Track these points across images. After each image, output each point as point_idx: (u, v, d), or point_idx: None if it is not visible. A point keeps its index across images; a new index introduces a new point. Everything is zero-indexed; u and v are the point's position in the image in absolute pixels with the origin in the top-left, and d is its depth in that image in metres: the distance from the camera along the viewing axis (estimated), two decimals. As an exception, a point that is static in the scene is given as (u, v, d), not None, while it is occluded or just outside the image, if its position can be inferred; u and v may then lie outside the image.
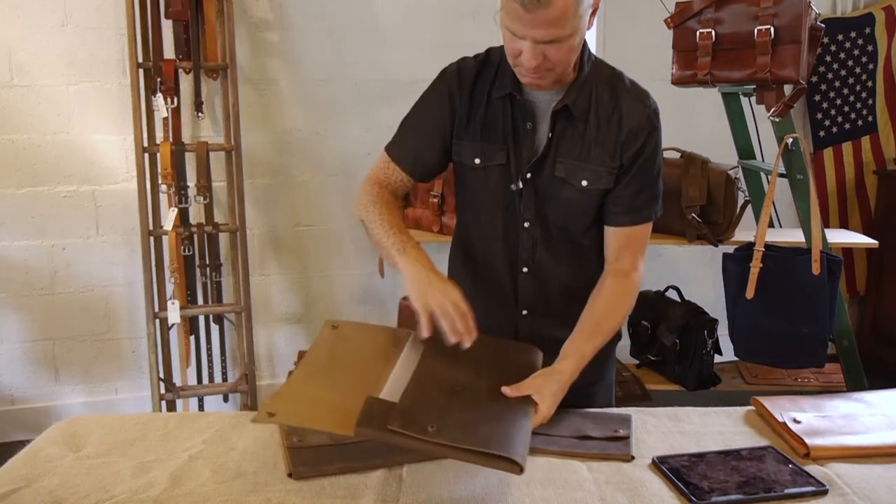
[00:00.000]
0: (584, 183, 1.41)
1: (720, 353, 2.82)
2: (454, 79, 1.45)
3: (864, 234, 3.29)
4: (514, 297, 1.52)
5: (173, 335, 2.96)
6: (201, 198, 2.83)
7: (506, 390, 1.26)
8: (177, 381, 2.97)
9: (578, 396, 1.55)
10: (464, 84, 1.44)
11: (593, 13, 1.28)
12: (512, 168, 1.43)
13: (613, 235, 1.46)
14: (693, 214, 2.59)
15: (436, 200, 2.75)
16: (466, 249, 1.58)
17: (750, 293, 2.43)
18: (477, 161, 1.44)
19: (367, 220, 1.43)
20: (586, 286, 1.50)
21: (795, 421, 1.41)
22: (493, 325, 1.54)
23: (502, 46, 1.44)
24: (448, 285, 1.30)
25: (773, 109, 2.38)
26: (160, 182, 2.81)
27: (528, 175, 1.43)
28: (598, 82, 1.41)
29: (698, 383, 2.80)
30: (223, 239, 3.03)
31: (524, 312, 1.52)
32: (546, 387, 1.28)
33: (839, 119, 3.80)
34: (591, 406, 1.53)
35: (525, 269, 1.49)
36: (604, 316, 1.42)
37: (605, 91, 1.40)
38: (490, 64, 1.45)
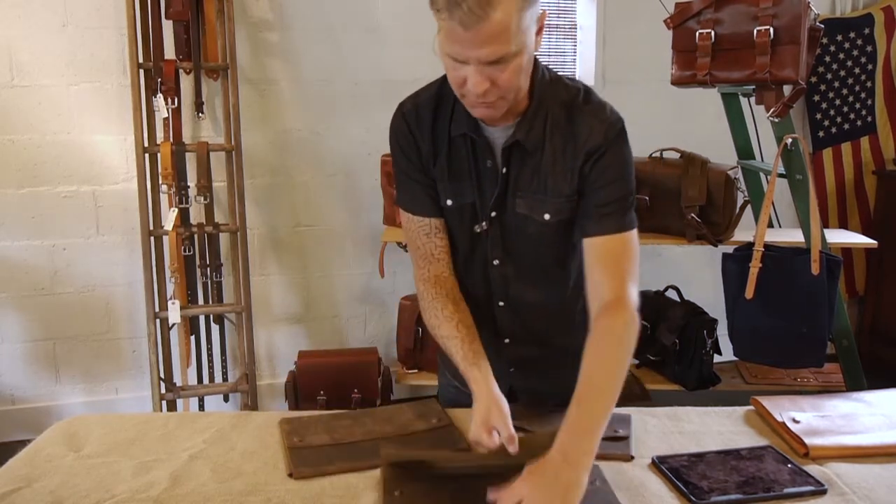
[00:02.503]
0: (547, 217, 1.34)
1: (720, 353, 2.83)
2: (412, 116, 1.39)
3: (864, 234, 3.29)
4: (495, 327, 1.49)
5: (174, 335, 2.96)
6: (202, 198, 2.83)
7: (491, 496, 1.07)
8: (177, 380, 2.97)
9: (567, 399, 1.56)
10: (422, 121, 1.38)
11: (539, 31, 1.20)
12: (478, 207, 1.39)
13: (587, 252, 1.31)
14: (692, 214, 2.59)
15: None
16: None
17: (749, 293, 2.43)
18: (449, 202, 1.39)
19: (431, 330, 1.38)
20: (564, 307, 1.49)
21: (795, 421, 1.41)
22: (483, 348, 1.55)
23: None
24: (487, 415, 1.20)
25: (772, 110, 2.38)
26: (160, 182, 2.82)
27: (493, 214, 1.38)
28: (554, 106, 1.32)
29: (698, 383, 2.80)
30: (223, 239, 3.04)
31: (506, 340, 1.50)
32: (530, 491, 1.05)
33: (838, 119, 3.80)
34: None
35: (501, 304, 1.46)
36: (598, 371, 1.20)
37: (561, 115, 1.32)
38: (446, 97, 1.36)
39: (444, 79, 1.39)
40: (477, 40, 1.12)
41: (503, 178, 1.35)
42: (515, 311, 1.47)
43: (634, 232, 1.32)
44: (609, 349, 1.22)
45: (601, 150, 1.30)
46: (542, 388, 1.54)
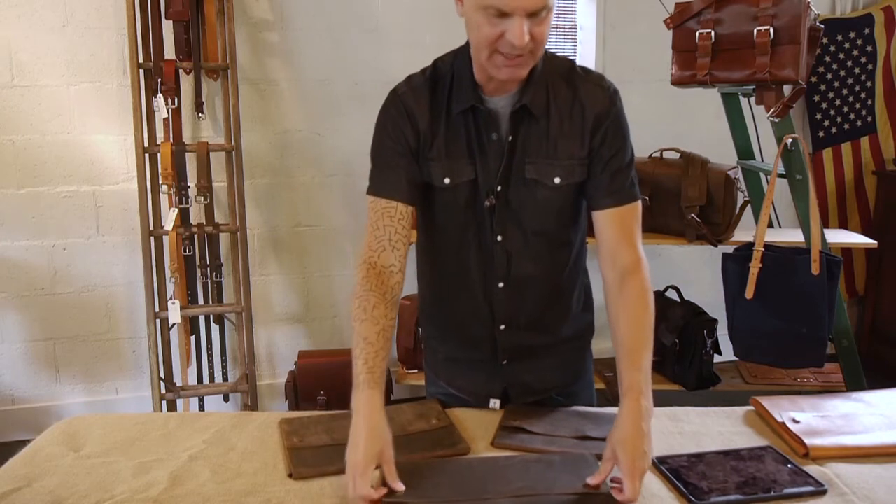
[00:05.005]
0: (557, 180, 1.38)
1: (720, 353, 2.82)
2: (409, 98, 1.39)
3: (864, 234, 3.29)
4: (491, 313, 1.47)
5: (174, 335, 2.96)
6: (202, 198, 2.83)
7: (592, 480, 1.19)
8: (177, 380, 2.97)
9: (562, 398, 1.56)
10: (420, 101, 1.39)
11: None
12: (481, 183, 1.39)
13: (603, 222, 1.39)
14: (692, 214, 2.59)
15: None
16: (434, 268, 1.53)
17: (749, 293, 2.43)
18: (446, 181, 1.39)
19: (352, 320, 1.32)
20: (561, 286, 1.49)
21: (794, 421, 1.41)
22: (472, 340, 1.53)
23: (450, 58, 1.41)
24: (371, 451, 1.15)
25: (772, 110, 2.38)
26: (161, 182, 2.82)
27: (499, 188, 1.39)
28: (552, 77, 1.38)
29: (698, 383, 2.80)
30: (223, 239, 3.04)
31: (502, 327, 1.48)
32: (623, 459, 1.16)
33: (838, 119, 3.80)
34: (571, 404, 1.54)
35: (501, 285, 1.45)
36: (634, 333, 1.33)
37: (560, 84, 1.38)
38: (441, 78, 1.40)
39: (434, 65, 1.43)
40: None
41: (509, 146, 1.37)
42: (516, 292, 1.46)
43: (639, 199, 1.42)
44: (642, 311, 1.34)
45: (611, 115, 1.37)
46: (532, 382, 1.54)
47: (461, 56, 1.38)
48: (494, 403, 1.54)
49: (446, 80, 1.39)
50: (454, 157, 1.39)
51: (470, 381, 1.57)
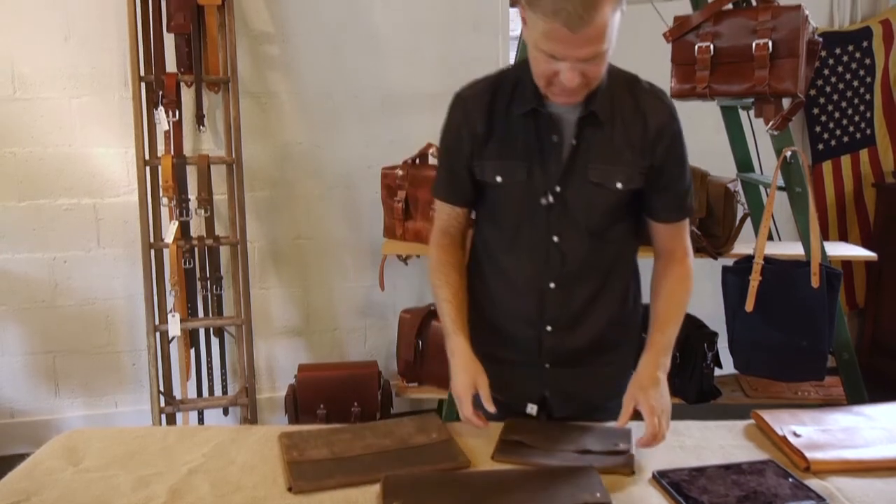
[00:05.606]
0: (619, 185, 1.42)
1: (720, 367, 2.82)
2: (470, 102, 1.46)
3: (863, 246, 3.29)
4: (540, 312, 1.49)
5: (173, 348, 2.96)
6: (202, 211, 2.84)
7: (621, 421, 1.37)
8: (177, 394, 2.97)
9: (596, 411, 1.55)
10: (480, 106, 1.45)
11: None
12: (537, 183, 1.42)
13: (664, 233, 1.54)
14: (692, 227, 2.60)
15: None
16: (486, 267, 1.56)
17: (749, 306, 2.43)
18: (498, 179, 1.45)
19: (432, 288, 1.55)
20: (612, 292, 1.52)
21: (795, 434, 1.41)
22: (515, 341, 1.54)
23: (517, 67, 1.47)
24: (467, 381, 1.42)
25: (771, 123, 2.39)
26: (161, 195, 2.82)
27: (558, 188, 1.42)
28: (616, 86, 1.42)
29: (698, 397, 2.79)
30: (224, 252, 3.04)
31: (548, 328, 1.50)
32: (642, 399, 1.34)
33: (838, 132, 3.81)
34: (609, 420, 1.52)
35: (552, 285, 1.47)
36: (667, 305, 1.51)
37: (623, 94, 1.42)
38: (505, 83, 1.45)
39: (500, 71, 1.50)
40: (579, 41, 1.21)
41: (572, 150, 1.41)
42: (566, 293, 1.48)
43: None
44: (681, 290, 1.54)
45: (672, 130, 1.44)
46: (574, 391, 1.53)
47: (527, 64, 1.40)
48: (532, 409, 1.54)
49: (509, 84, 1.45)
50: (508, 157, 1.44)
51: (510, 382, 1.56)
